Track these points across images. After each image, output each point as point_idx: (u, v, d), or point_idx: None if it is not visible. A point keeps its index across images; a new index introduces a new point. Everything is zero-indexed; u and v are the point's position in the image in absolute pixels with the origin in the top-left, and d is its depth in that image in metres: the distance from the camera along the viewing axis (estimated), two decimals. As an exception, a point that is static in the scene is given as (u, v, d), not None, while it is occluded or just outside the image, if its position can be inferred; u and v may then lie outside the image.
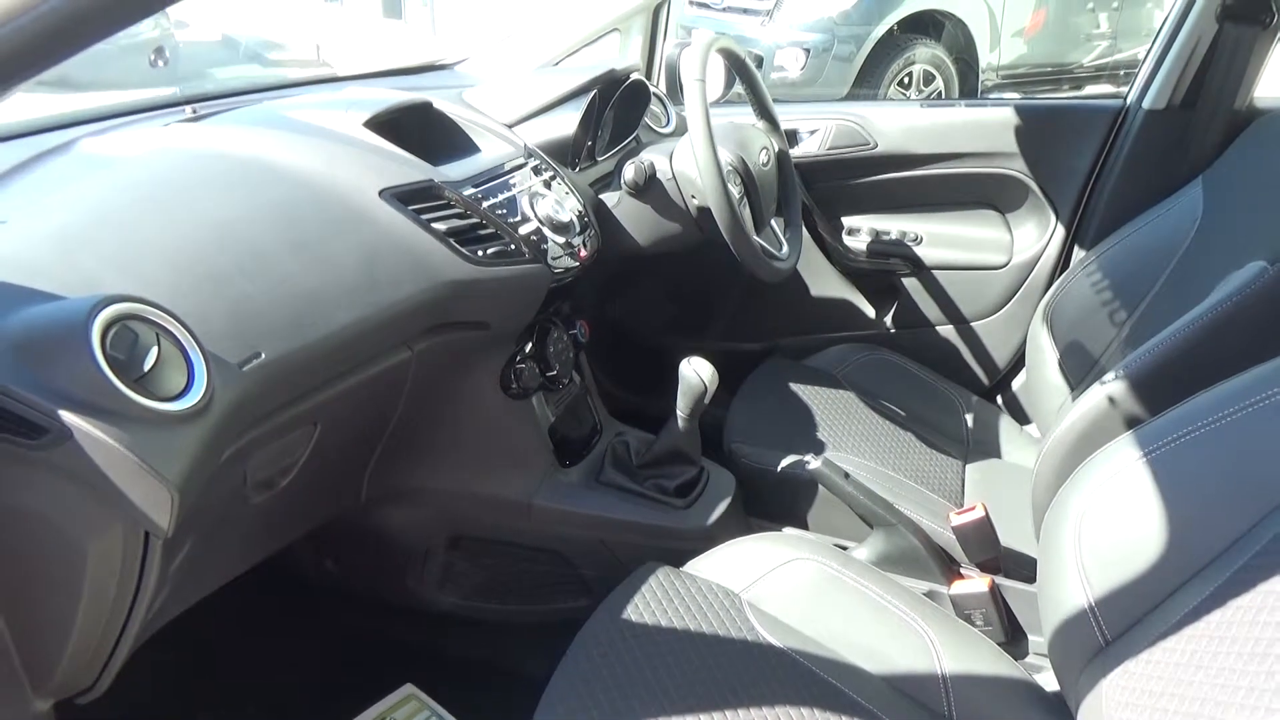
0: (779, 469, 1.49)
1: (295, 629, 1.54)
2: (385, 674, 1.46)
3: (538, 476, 1.46)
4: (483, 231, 1.26)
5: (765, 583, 1.12)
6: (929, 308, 1.98)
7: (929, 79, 5.17)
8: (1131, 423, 1.16)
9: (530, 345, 1.44)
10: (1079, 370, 1.54)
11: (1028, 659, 1.30)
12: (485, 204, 1.28)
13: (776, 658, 1.00)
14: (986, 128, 1.87)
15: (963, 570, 1.38)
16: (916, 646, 1.06)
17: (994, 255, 1.92)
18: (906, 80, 5.12)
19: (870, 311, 2.02)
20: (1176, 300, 1.35)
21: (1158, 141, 1.75)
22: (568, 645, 1.00)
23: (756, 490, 1.53)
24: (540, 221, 1.36)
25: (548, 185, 1.43)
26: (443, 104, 1.46)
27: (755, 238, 1.52)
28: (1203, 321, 1.19)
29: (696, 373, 1.35)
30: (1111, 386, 1.21)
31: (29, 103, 1.11)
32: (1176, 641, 0.77)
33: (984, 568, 1.35)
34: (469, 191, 1.27)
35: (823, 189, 1.96)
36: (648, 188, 1.53)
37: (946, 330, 1.98)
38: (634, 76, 1.64)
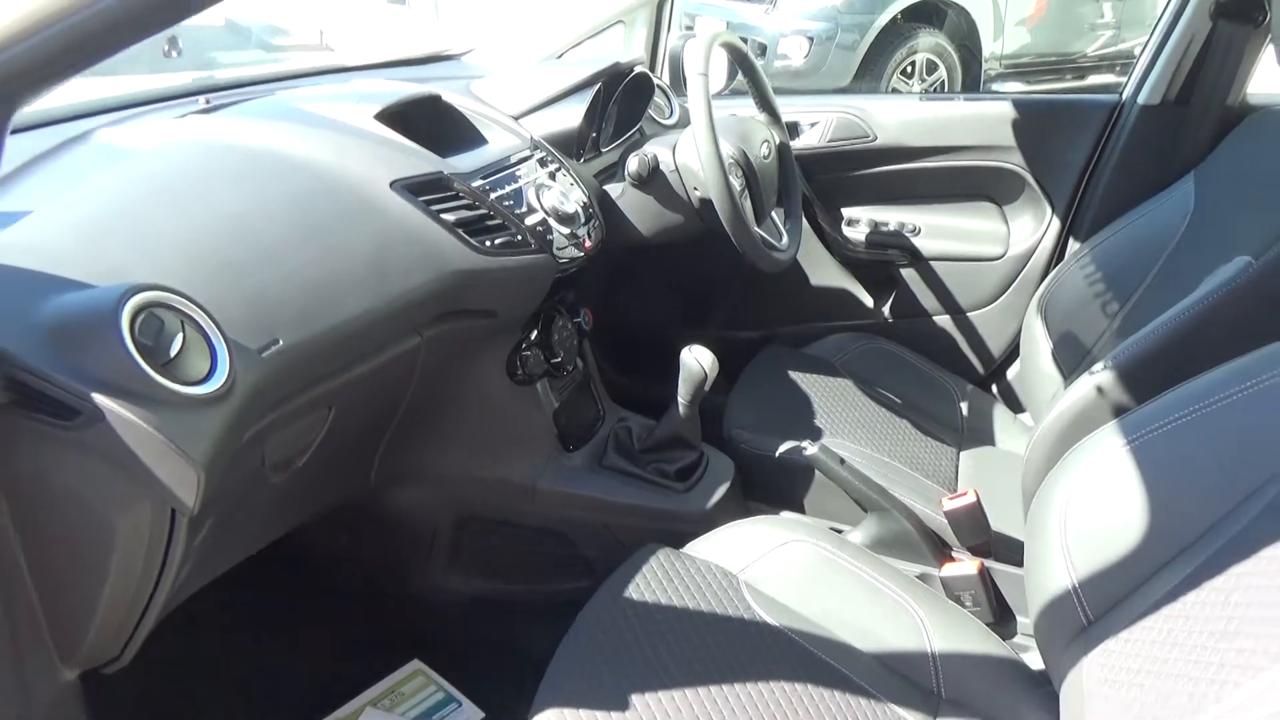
0: (777, 454, 1.52)
1: (308, 607, 1.57)
2: (394, 650, 1.49)
3: (542, 460, 1.49)
4: (490, 222, 1.28)
5: (762, 564, 1.15)
6: (926, 298, 2.01)
7: (932, 68, 5.16)
8: (1118, 412, 1.18)
9: (535, 333, 1.47)
10: (1072, 360, 1.57)
11: (1015, 639, 1.33)
12: (493, 195, 1.31)
13: (772, 636, 1.03)
14: (984, 121, 1.89)
15: (954, 554, 1.41)
16: (907, 626, 1.09)
17: (990, 247, 1.94)
18: (909, 69, 5.11)
19: (869, 301, 2.04)
20: (1167, 293, 1.37)
21: (1152, 136, 1.77)
22: (570, 624, 1.02)
23: (755, 475, 1.56)
24: (546, 213, 1.38)
25: (553, 177, 1.45)
26: (451, 96, 1.48)
27: (756, 229, 1.55)
28: (1188, 315, 1.21)
29: (697, 360, 1.38)
30: (1100, 376, 1.24)
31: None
32: (1154, 621, 0.80)
33: (975, 551, 1.38)
34: (477, 183, 1.30)
35: (823, 180, 1.99)
36: (651, 179, 1.56)
37: (943, 320, 2.01)
38: (638, 70, 1.67)
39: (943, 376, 1.86)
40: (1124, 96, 1.83)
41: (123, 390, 0.77)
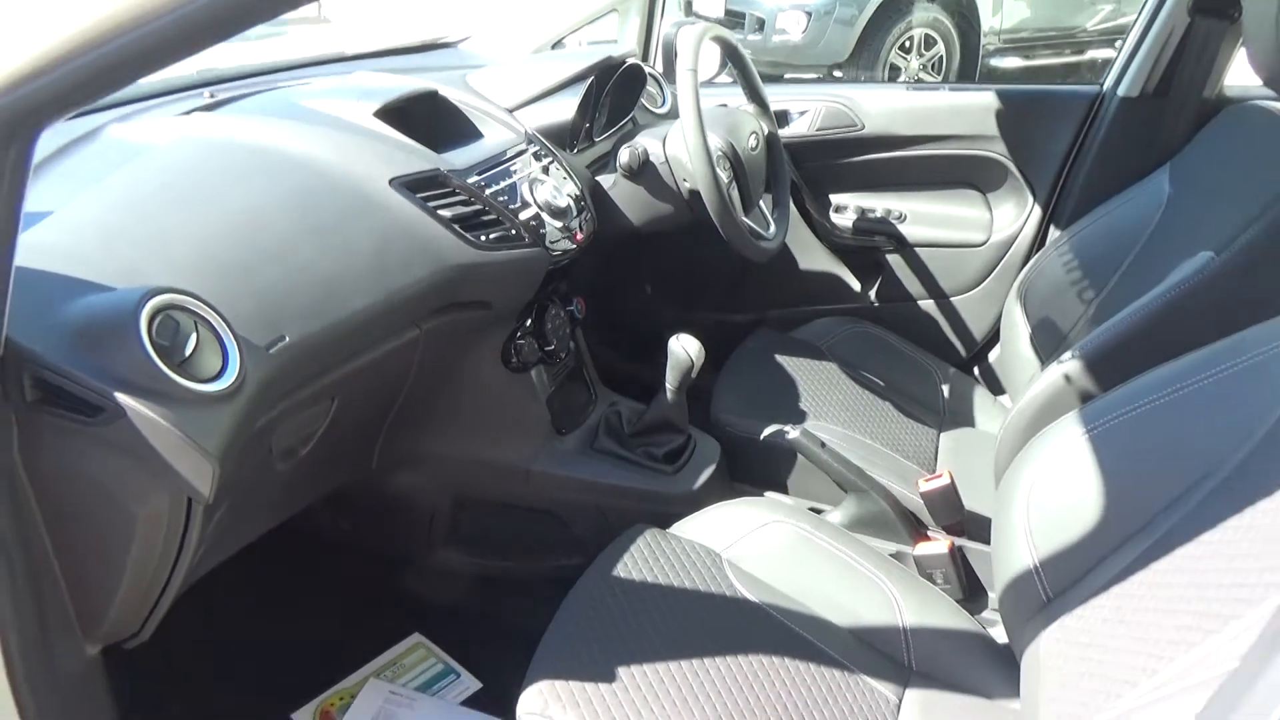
0: (761, 437, 1.57)
1: (314, 585, 1.62)
2: (395, 625, 1.55)
3: (536, 444, 1.54)
4: (486, 217, 1.32)
5: (744, 544, 1.19)
6: (911, 283, 2.05)
7: (930, 43, 5.15)
8: (1084, 399, 1.23)
9: (530, 322, 1.51)
10: (1049, 345, 1.61)
11: (984, 614, 1.38)
12: (488, 191, 1.35)
13: (753, 612, 1.08)
14: (969, 111, 1.92)
15: (929, 533, 1.47)
16: (881, 602, 1.14)
17: (974, 234, 1.98)
18: (908, 44, 5.10)
19: (855, 286, 2.08)
20: (1138, 282, 1.41)
21: (1131, 128, 1.81)
22: (562, 600, 1.07)
23: (740, 457, 1.60)
24: (539, 207, 1.42)
25: (546, 170, 1.49)
26: (448, 91, 1.52)
27: (743, 219, 1.59)
28: (1151, 308, 1.26)
29: (684, 349, 1.43)
30: (1068, 365, 1.28)
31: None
32: (1105, 599, 0.85)
33: (949, 530, 1.44)
34: (473, 179, 1.34)
35: (811, 168, 2.02)
36: (642, 171, 1.60)
37: (927, 304, 2.05)
38: (630, 61, 1.70)
39: (926, 359, 1.91)
40: (1104, 88, 1.87)
41: (142, 388, 0.81)
